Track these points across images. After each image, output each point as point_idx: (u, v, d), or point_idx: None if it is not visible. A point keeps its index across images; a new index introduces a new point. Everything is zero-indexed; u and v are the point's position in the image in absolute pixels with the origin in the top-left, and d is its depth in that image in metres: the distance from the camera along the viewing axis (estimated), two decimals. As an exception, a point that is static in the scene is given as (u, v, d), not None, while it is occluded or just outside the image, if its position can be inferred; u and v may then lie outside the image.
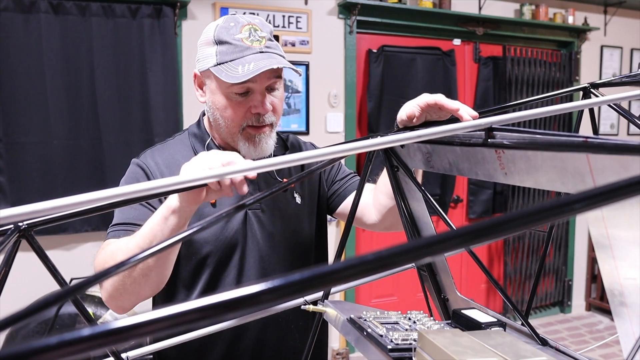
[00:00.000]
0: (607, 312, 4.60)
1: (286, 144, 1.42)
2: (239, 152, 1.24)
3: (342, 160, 1.43)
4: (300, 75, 1.21)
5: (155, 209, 1.16)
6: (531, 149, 0.59)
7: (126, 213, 1.17)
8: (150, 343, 0.95)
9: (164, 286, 1.09)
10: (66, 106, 2.99)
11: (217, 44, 1.17)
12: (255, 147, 1.22)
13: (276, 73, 1.19)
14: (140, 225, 1.12)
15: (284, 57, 1.19)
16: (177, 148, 1.29)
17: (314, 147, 1.46)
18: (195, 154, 1.26)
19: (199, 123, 1.34)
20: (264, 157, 1.28)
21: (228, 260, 1.23)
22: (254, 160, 1.25)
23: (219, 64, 1.16)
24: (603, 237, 0.55)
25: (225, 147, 1.28)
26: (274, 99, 1.22)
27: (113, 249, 1.08)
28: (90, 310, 2.65)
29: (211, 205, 1.22)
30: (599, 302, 4.65)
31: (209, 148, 1.28)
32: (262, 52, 1.16)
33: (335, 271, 0.26)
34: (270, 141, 1.24)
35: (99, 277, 0.40)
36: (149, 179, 1.22)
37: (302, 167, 1.33)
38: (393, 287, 4.01)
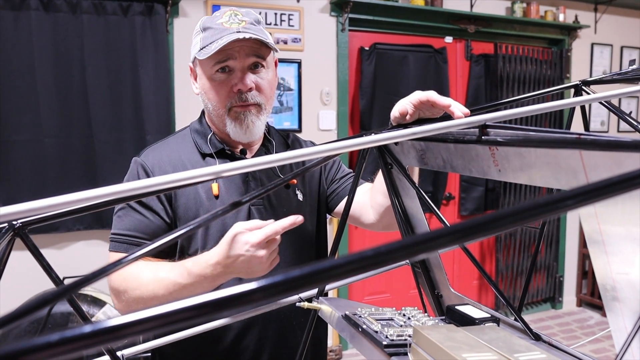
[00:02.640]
0: (597, 307, 4.64)
1: (287, 141, 1.43)
2: (229, 136, 1.25)
3: (339, 159, 1.44)
4: (277, 51, 1.22)
5: (149, 212, 1.18)
6: (525, 146, 0.60)
7: (127, 222, 1.20)
8: (144, 341, 0.95)
9: None
10: (57, 104, 2.98)
11: (202, 31, 1.23)
12: (242, 125, 1.23)
13: (256, 52, 1.22)
14: (139, 238, 1.18)
15: (265, 38, 1.21)
16: (179, 145, 1.30)
17: (313, 145, 1.46)
18: (198, 150, 1.27)
19: (200, 119, 1.35)
20: (254, 140, 1.30)
21: None
22: (243, 142, 1.28)
23: (201, 48, 1.21)
24: (596, 233, 0.56)
25: (226, 140, 1.29)
26: (259, 79, 1.24)
27: (136, 273, 1.10)
28: (83, 308, 2.64)
29: (214, 198, 1.23)
30: (590, 298, 4.69)
31: (210, 142, 1.29)
32: (240, 31, 1.18)
33: (334, 267, 0.27)
34: (258, 122, 1.25)
35: (96, 275, 0.40)
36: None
37: (303, 164, 1.33)
38: (386, 284, 4.02)
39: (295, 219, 0.99)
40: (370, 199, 1.34)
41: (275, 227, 0.99)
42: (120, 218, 1.21)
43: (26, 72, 2.90)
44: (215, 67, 1.21)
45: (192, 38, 1.28)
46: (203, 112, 1.36)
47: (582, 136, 0.50)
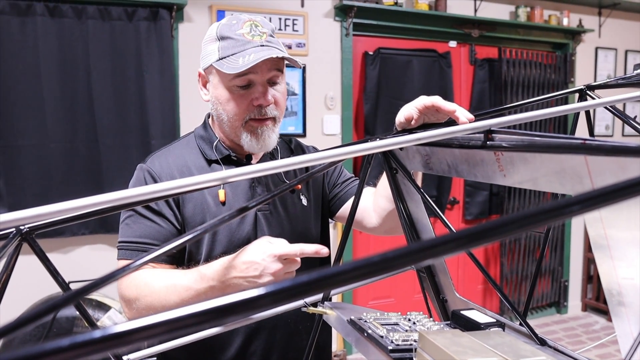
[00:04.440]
0: (603, 312, 4.62)
1: (290, 146, 1.43)
2: (242, 147, 1.26)
3: (342, 164, 1.44)
4: (301, 67, 1.22)
5: (160, 218, 1.18)
6: (530, 151, 0.60)
7: (135, 229, 1.19)
8: (150, 345, 0.95)
9: None
10: (63, 109, 2.99)
11: (219, 40, 1.20)
12: (258, 140, 1.23)
13: (277, 66, 1.22)
14: (150, 245, 1.17)
15: (284, 52, 1.21)
16: (184, 151, 1.30)
17: (316, 150, 1.47)
18: (204, 156, 1.27)
19: (205, 125, 1.35)
20: (267, 152, 1.30)
21: None
22: (256, 153, 1.28)
23: (221, 58, 1.19)
24: (601, 238, 0.56)
25: (232, 147, 1.29)
26: (276, 93, 1.24)
27: (148, 281, 1.10)
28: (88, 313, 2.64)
29: (221, 204, 1.23)
30: (595, 303, 4.66)
31: (217, 149, 1.29)
32: (263, 45, 1.18)
33: (341, 273, 0.27)
34: (273, 135, 1.25)
35: (105, 280, 0.40)
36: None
37: (307, 169, 1.33)
38: (390, 288, 4.02)
39: (320, 249, 0.98)
40: (373, 203, 1.34)
41: (300, 248, 0.98)
42: (129, 225, 1.20)
43: (32, 77, 2.91)
44: (236, 80, 1.19)
45: (202, 44, 1.25)
46: (207, 118, 1.36)
47: (587, 141, 0.51)
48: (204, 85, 1.29)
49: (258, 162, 1.34)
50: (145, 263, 0.49)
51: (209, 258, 1.21)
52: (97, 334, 0.25)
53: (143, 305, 1.09)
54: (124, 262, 1.18)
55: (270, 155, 1.36)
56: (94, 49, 3.01)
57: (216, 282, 1.02)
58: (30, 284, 2.47)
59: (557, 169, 0.58)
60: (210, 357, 1.24)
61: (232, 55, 1.17)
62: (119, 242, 1.21)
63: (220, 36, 1.20)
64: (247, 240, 1.24)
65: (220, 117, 1.26)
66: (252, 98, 1.21)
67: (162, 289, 1.07)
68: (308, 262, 1.33)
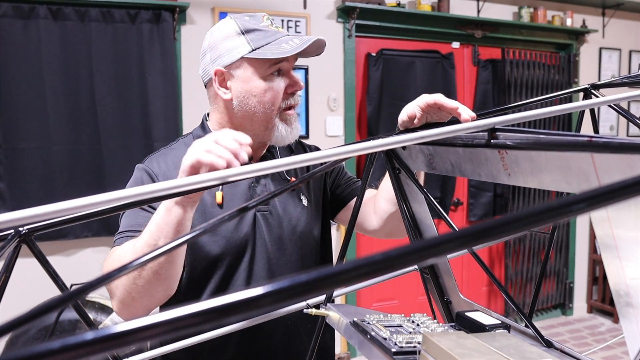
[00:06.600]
0: (608, 314, 4.59)
1: (291, 146, 1.42)
2: (271, 140, 1.26)
3: (344, 164, 1.43)
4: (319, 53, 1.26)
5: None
6: (535, 149, 0.59)
7: (131, 219, 1.18)
8: (151, 348, 0.95)
9: (175, 289, 1.08)
10: (65, 111, 2.99)
11: (244, 33, 1.19)
12: (292, 128, 1.25)
13: (297, 55, 1.23)
14: (140, 231, 1.11)
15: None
16: (182, 152, 1.28)
17: (317, 150, 1.46)
18: None
19: (203, 125, 1.33)
20: (292, 142, 1.30)
21: (238, 263, 1.22)
22: (286, 144, 1.28)
23: (255, 49, 1.18)
24: (608, 238, 0.55)
25: None
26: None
27: (120, 253, 1.07)
28: (91, 316, 2.63)
29: (218, 207, 1.22)
30: (601, 304, 4.64)
31: None
32: (289, 35, 1.21)
33: (343, 272, 0.26)
34: (297, 124, 1.28)
35: (101, 281, 0.40)
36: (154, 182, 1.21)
37: (308, 169, 1.33)
38: (394, 290, 4.00)
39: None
40: (374, 205, 1.33)
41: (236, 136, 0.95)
42: (125, 218, 1.19)
43: (35, 80, 2.92)
44: (272, 68, 1.20)
45: (215, 42, 1.21)
46: (204, 119, 1.35)
47: (593, 139, 0.50)
48: (221, 83, 1.23)
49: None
50: (144, 264, 0.48)
51: (205, 258, 1.20)
52: (89, 335, 0.24)
53: (120, 288, 1.04)
54: (115, 248, 1.14)
55: (270, 156, 1.36)
56: (96, 51, 3.01)
57: (168, 203, 0.97)
58: (32, 287, 2.46)
59: (562, 167, 0.57)
60: (210, 358, 1.23)
61: (267, 44, 1.18)
62: (117, 233, 1.19)
63: (245, 30, 1.19)
64: (245, 241, 1.23)
65: (252, 110, 1.21)
66: (287, 85, 1.23)
67: (129, 252, 1.04)
68: (308, 263, 1.32)
